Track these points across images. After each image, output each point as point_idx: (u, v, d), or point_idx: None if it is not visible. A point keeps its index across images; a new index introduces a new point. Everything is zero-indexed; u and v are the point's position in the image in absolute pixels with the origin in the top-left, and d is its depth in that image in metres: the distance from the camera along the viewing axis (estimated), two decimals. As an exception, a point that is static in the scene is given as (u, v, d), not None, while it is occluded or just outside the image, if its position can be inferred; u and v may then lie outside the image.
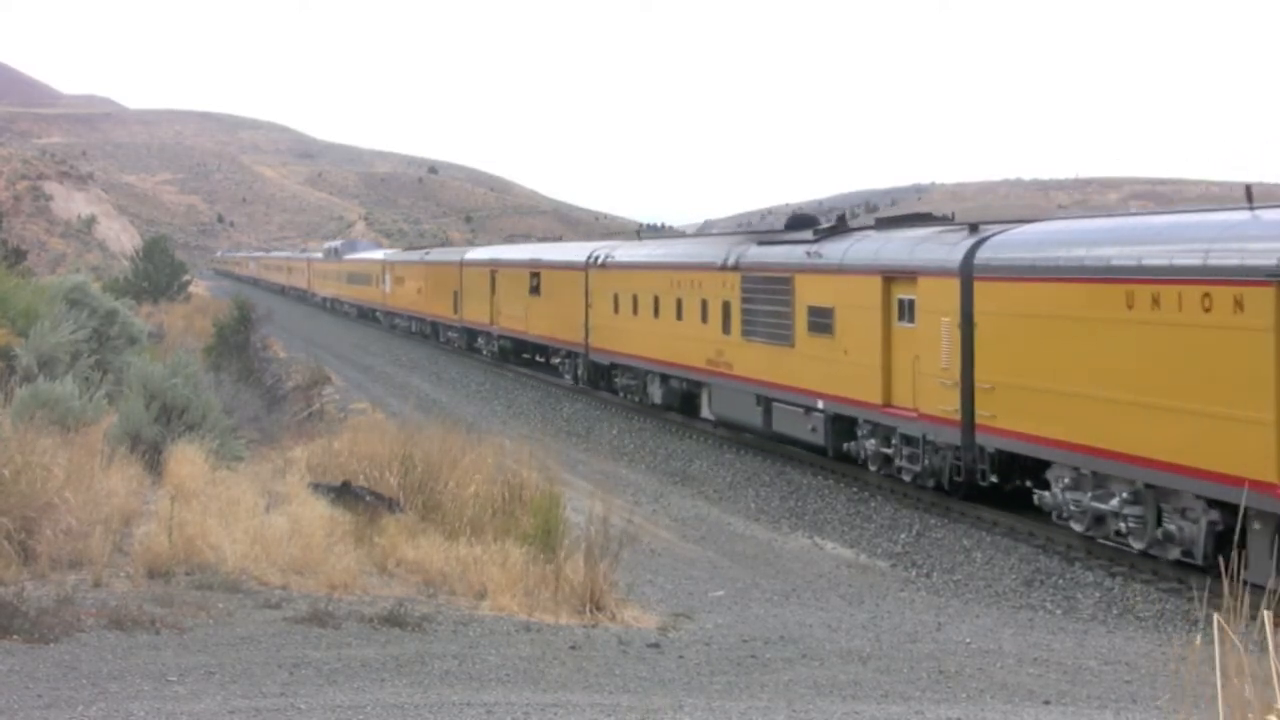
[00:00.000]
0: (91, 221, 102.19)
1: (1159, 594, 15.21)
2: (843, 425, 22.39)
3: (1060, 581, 16.37)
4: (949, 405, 18.76)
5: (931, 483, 19.86)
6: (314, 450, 18.29)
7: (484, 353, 47.84)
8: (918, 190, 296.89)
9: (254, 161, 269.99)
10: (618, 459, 27.63)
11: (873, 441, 21.48)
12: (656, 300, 30.39)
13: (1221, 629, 4.08)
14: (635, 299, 31.92)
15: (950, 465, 19.19)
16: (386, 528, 13.06)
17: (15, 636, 7.97)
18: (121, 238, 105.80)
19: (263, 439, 20.29)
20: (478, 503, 14.69)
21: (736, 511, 22.54)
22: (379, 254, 76.02)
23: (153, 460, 13.84)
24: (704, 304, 27.60)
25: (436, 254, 60.21)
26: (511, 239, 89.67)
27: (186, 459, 13.53)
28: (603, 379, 35.37)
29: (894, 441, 20.70)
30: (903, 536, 19.51)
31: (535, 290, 40.55)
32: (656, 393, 31.00)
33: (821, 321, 22.49)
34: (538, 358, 43.10)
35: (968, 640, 11.81)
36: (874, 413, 20.98)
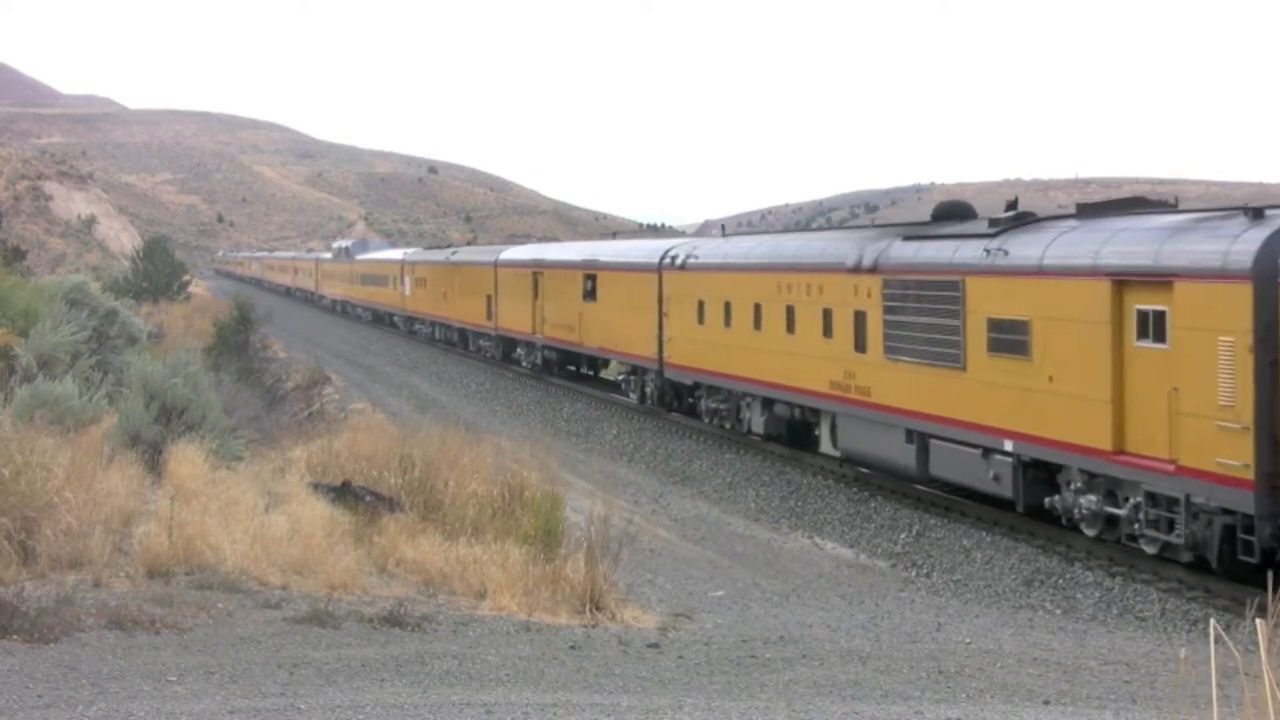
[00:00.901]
0: (91, 221, 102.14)
1: (1159, 594, 15.20)
2: (1040, 474, 17.60)
3: (1060, 581, 16.37)
4: (1234, 457, 13.85)
5: (1189, 557, 14.94)
6: (314, 450, 18.28)
7: (524, 364, 42.68)
8: (918, 190, 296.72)
9: (254, 161, 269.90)
10: (618, 459, 27.63)
11: (1092, 498, 16.47)
12: (757, 308, 25.63)
13: (1221, 631, 4.08)
14: (728, 306, 27.03)
15: (1222, 536, 14.29)
16: (386, 528, 13.06)
17: (15, 636, 7.97)
18: (121, 238, 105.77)
19: (263, 439, 20.28)
20: (477, 503, 14.70)
21: (736, 511, 22.54)
22: (396, 253, 70.05)
23: (153, 460, 13.83)
24: (826, 314, 22.81)
25: (466, 253, 54.38)
26: (513, 239, 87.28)
27: (186, 459, 13.52)
28: (680, 400, 30.77)
29: (1129, 500, 15.83)
30: (903, 536, 19.51)
31: (590, 295, 35.60)
32: (756, 420, 26.07)
33: (1009, 339, 17.74)
34: (585, 369, 40.24)
35: (968, 640, 11.81)
36: (1097, 460, 16.10)
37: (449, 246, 62.96)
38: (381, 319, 69.49)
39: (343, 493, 14.14)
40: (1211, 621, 4.19)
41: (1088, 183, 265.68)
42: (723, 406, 28.04)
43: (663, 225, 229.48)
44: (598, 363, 39.15)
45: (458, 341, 51.70)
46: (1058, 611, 15.33)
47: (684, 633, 10.88)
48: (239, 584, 10.24)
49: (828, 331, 22.78)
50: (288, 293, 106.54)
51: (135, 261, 65.98)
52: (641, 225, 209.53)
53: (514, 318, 43.06)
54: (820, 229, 38.43)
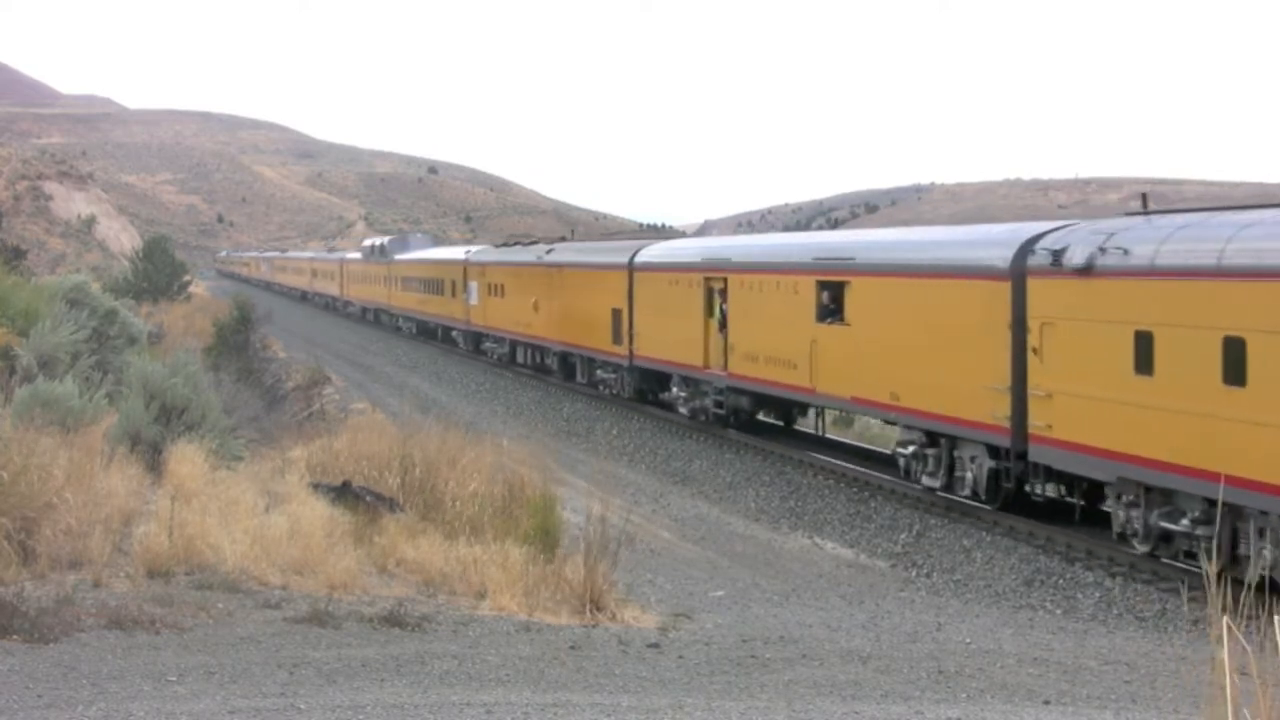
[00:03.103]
0: (91, 221, 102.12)
1: (1159, 594, 15.22)
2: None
3: (1060, 581, 16.37)
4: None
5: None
6: (314, 450, 18.29)
7: (683, 410, 30.00)
8: (918, 190, 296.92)
9: (254, 161, 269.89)
10: (618, 459, 27.62)
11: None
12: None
13: (1221, 630, 4.08)
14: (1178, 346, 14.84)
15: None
16: (386, 528, 13.06)
17: (15, 636, 7.96)
18: (121, 238, 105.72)
19: (262, 439, 20.29)
20: (477, 502, 14.71)
21: (736, 511, 22.55)
22: (455, 252, 56.22)
23: (153, 460, 13.83)
24: None
25: (573, 251, 40.08)
26: (512, 238, 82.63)
27: (186, 459, 13.51)
28: (1073, 493, 17.95)
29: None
30: (903, 536, 19.51)
31: (832, 314, 23.15)
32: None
33: None
34: (789, 419, 28.67)
35: (968, 640, 11.81)
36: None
37: (533, 241, 47.57)
38: (429, 333, 56.93)
39: (343, 493, 14.15)
40: (1225, 620, 4.17)
41: (1088, 182, 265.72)
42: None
43: (663, 225, 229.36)
44: (820, 413, 27.17)
45: (556, 369, 39.21)
46: (1058, 611, 15.34)
47: (684, 633, 10.88)
48: (239, 584, 10.24)
49: None
50: (303, 298, 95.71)
51: (135, 261, 65.99)
52: (641, 225, 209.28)
53: (665, 342, 30.49)
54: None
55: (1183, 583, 14.86)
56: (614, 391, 34.54)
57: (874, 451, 25.53)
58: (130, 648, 8.11)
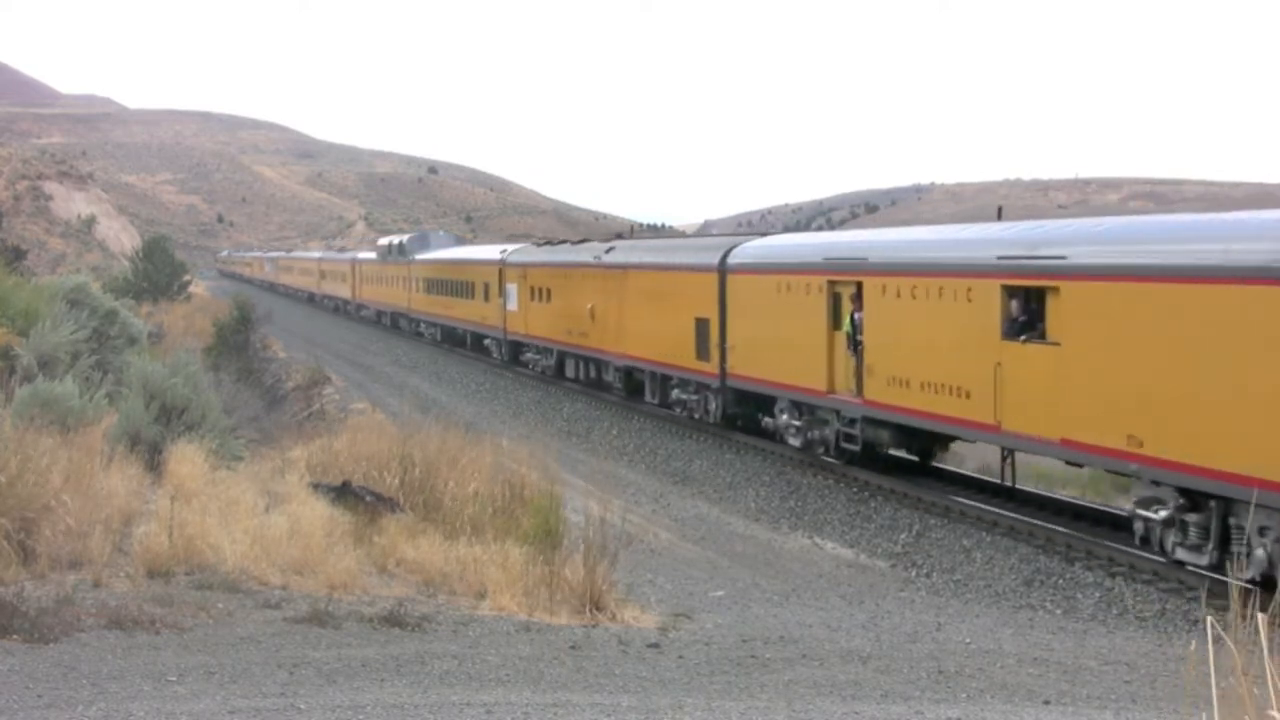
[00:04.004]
0: (91, 221, 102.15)
1: (1159, 594, 15.22)
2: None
3: (1060, 581, 16.38)
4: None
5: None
6: (314, 450, 18.29)
7: (792, 440, 24.66)
8: (918, 190, 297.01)
9: (254, 161, 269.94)
10: (618, 459, 27.61)
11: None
12: None
13: (1221, 630, 4.08)
14: None
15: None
16: (386, 528, 13.06)
17: (15, 636, 7.96)
18: (121, 238, 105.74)
19: (262, 439, 20.30)
20: (477, 502, 14.70)
21: (736, 511, 22.55)
22: (490, 251, 50.00)
23: (153, 460, 13.84)
24: None
25: (635, 251, 33.93)
26: (513, 238, 77.16)
27: (186, 459, 13.52)
28: None
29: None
30: (903, 536, 19.51)
31: (1027, 329, 17.74)
32: None
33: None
34: (927, 454, 23.07)
35: (968, 640, 11.81)
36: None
37: (581, 240, 43.27)
38: (458, 340, 51.96)
39: (343, 493, 14.15)
40: (1208, 620, 4.19)
41: (1088, 182, 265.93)
42: None
43: (663, 225, 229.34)
44: (1008, 457, 20.42)
45: (618, 385, 33.83)
46: (1058, 611, 15.34)
47: (684, 633, 10.88)
48: (239, 584, 10.24)
49: None
50: (311, 300, 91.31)
51: (135, 261, 66.01)
52: (642, 225, 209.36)
53: (770, 359, 25.29)
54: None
55: (1183, 584, 14.86)
56: (695, 415, 29.20)
57: (1072, 507, 19.64)
58: (130, 648, 8.11)
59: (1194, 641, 4.33)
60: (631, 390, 33.21)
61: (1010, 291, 18.02)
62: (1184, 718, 4.21)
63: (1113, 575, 16.09)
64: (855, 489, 22.42)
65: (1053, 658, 11.00)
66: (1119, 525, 17.86)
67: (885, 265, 21.46)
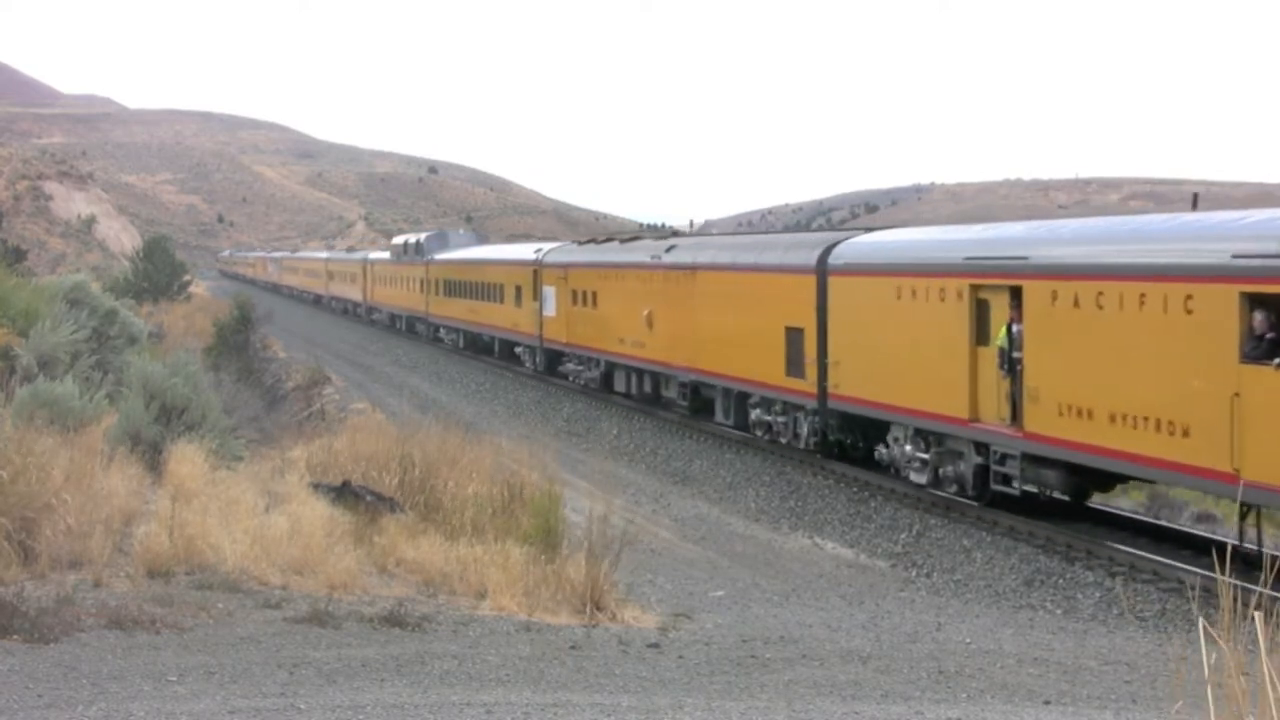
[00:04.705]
0: (91, 221, 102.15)
1: (1159, 594, 15.23)
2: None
3: (1060, 581, 16.38)
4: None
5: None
6: (314, 450, 18.30)
7: (915, 477, 20.60)
8: (918, 190, 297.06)
9: (254, 161, 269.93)
10: (618, 459, 27.62)
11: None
12: None
13: (1217, 630, 4.08)
14: None
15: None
16: (386, 528, 13.06)
17: (15, 636, 7.96)
18: (121, 237, 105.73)
19: (263, 439, 20.31)
20: (478, 502, 14.71)
21: (736, 511, 22.55)
22: (522, 250, 45.58)
23: (153, 460, 13.84)
24: None
25: (705, 249, 29.79)
26: (513, 238, 76.66)
27: (186, 459, 13.52)
28: None
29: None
30: (903, 536, 19.51)
31: (1276, 350, 13.71)
32: None
33: None
34: (1083, 494, 18.82)
35: (968, 640, 11.81)
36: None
37: (632, 236, 39.80)
38: (483, 347, 48.00)
39: (343, 493, 14.15)
40: (1200, 622, 4.18)
41: (1088, 182, 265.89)
42: None
43: (662, 225, 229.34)
44: (1248, 515, 15.74)
45: (682, 402, 29.81)
46: (1058, 611, 15.34)
47: (684, 633, 10.88)
48: (239, 584, 10.24)
49: None
50: (317, 302, 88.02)
51: (135, 261, 66.02)
52: (642, 225, 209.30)
53: (887, 378, 21.19)
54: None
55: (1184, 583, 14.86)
56: (782, 439, 25.09)
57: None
58: (130, 648, 8.11)
59: (1176, 640, 4.33)
60: (697, 409, 29.25)
61: (1256, 301, 13.83)
62: (1184, 718, 4.21)
63: (1113, 575, 16.09)
64: (855, 489, 22.43)
65: (1053, 658, 11.01)
66: (1119, 525, 18.01)
67: (1057, 266, 17.17)
